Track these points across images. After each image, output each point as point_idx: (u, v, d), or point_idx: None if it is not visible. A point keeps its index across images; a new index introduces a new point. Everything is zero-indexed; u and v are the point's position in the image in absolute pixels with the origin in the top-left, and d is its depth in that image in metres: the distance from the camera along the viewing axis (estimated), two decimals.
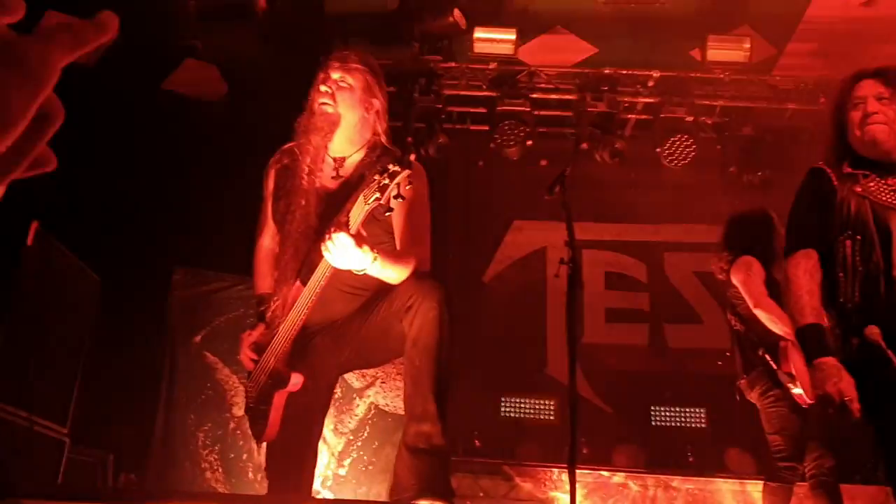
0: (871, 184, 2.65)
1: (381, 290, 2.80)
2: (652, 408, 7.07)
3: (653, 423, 7.02)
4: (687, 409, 7.03)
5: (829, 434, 4.34)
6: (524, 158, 7.23)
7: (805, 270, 2.64)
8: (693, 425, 6.98)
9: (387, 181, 2.46)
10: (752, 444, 5.52)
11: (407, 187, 2.48)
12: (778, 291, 4.15)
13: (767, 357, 4.27)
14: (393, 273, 2.71)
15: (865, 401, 2.50)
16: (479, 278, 7.53)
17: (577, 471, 4.68)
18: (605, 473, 4.74)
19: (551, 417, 6.77)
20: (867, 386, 2.49)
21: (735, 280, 4.43)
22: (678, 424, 7.02)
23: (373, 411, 5.03)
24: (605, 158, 7.13)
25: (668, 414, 7.06)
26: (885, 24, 6.56)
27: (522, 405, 6.96)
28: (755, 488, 4.61)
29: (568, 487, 3.02)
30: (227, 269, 5.25)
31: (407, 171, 2.47)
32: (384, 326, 2.79)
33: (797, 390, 4.13)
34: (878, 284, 2.53)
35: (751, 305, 4.29)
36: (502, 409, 6.94)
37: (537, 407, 6.85)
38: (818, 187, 2.75)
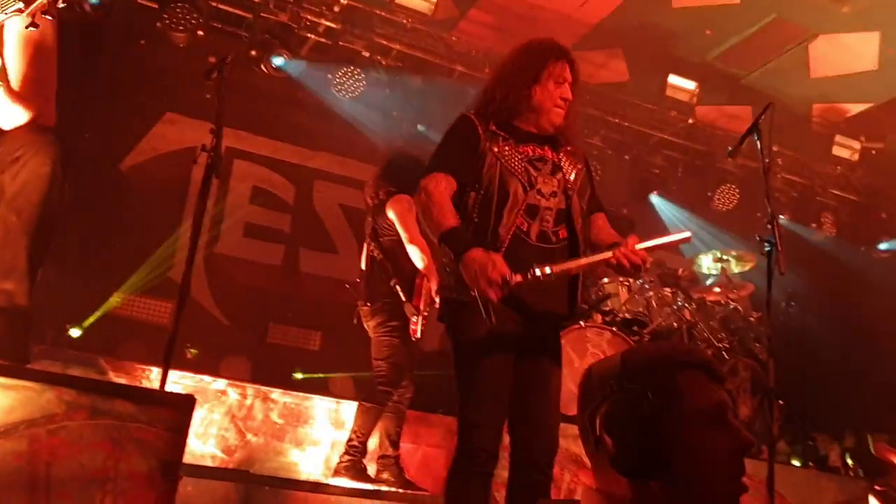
0: (507, 148, 2.87)
1: None
2: (270, 325, 7.16)
3: (268, 340, 7.12)
4: (304, 331, 7.24)
5: (416, 369, 4.75)
6: (191, 48, 6.79)
7: (445, 187, 2.77)
8: (307, 347, 7.22)
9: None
10: (356, 370, 5.84)
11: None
12: None
13: (398, 288, 4.51)
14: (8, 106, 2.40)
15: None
16: (117, 165, 6.95)
17: (180, 372, 4.65)
18: (207, 379, 4.68)
19: (165, 320, 6.54)
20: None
21: (391, 212, 4.58)
22: (292, 344, 7.20)
23: None
24: (270, 71, 6.99)
25: (284, 333, 7.20)
26: (556, 17, 7.22)
27: (136, 304, 6.62)
28: (349, 408, 4.88)
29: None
30: None
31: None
32: None
33: (418, 324, 4.46)
34: (485, 237, 2.74)
35: (405, 239, 4.49)
36: (112, 305, 6.53)
37: (152, 307, 6.57)
38: (466, 134, 2.88)
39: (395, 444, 4.63)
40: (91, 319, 6.17)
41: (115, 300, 6.44)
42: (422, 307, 4.51)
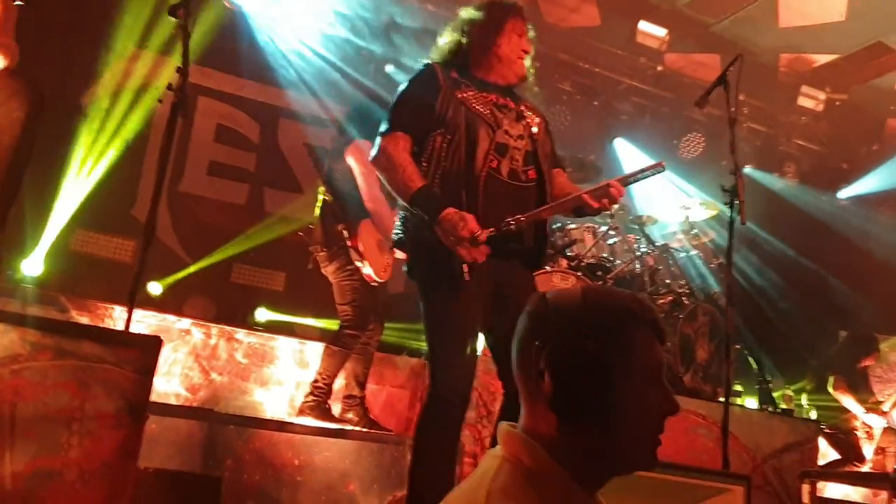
0: (470, 92, 2.91)
1: None
2: (235, 265, 7.12)
3: (232, 280, 7.08)
4: (268, 271, 7.22)
5: (384, 312, 4.75)
6: None
7: (403, 148, 2.81)
8: (271, 287, 7.21)
9: None
10: (321, 311, 5.85)
11: None
12: None
13: (345, 232, 4.48)
14: None
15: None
16: (77, 100, 6.76)
17: (144, 311, 4.62)
18: (171, 318, 4.66)
19: (127, 258, 6.47)
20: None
21: (351, 160, 4.53)
22: (256, 284, 7.18)
23: None
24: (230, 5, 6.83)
25: (248, 273, 7.18)
26: None
27: (98, 242, 6.53)
28: (314, 348, 4.91)
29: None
30: None
31: None
32: None
33: (366, 269, 4.44)
34: (457, 180, 2.76)
35: (365, 198, 4.44)
36: (73, 243, 6.44)
37: (115, 246, 6.49)
38: (428, 81, 2.91)
39: (361, 386, 4.68)
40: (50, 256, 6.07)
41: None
42: (362, 249, 4.47)
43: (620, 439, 1.34)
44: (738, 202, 3.32)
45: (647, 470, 1.37)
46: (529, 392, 1.38)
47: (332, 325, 5.40)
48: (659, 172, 2.80)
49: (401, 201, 2.82)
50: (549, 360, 1.33)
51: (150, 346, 1.98)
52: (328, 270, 4.64)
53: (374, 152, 2.86)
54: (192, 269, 6.76)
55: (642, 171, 2.84)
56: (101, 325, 4.43)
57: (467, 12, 3.07)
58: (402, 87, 2.96)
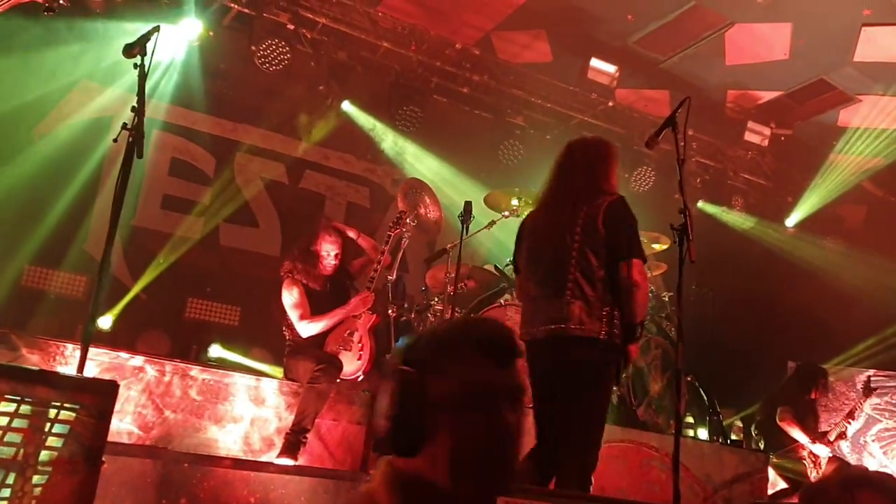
0: None
1: None
2: (189, 300, 7.05)
3: (187, 315, 7.01)
4: (224, 306, 7.16)
5: None
6: (110, 13, 6.55)
7: (644, 277, 3.50)
8: (226, 322, 7.15)
9: None
10: (275, 346, 5.81)
11: None
12: None
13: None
14: None
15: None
16: (29, 132, 6.68)
17: (96, 349, 4.55)
18: (125, 356, 4.59)
19: (79, 294, 6.37)
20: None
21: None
22: (212, 319, 7.12)
23: None
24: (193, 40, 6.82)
25: (203, 308, 7.11)
26: None
27: (50, 278, 6.42)
28: (269, 384, 4.88)
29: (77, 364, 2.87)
30: None
31: None
32: None
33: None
34: None
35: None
36: (24, 279, 6.33)
37: (66, 281, 6.39)
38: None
39: (313, 421, 4.70)
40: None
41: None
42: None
43: (448, 472, 1.30)
44: (686, 241, 3.42)
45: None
46: None
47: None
48: None
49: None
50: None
51: (107, 390, 1.96)
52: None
53: (637, 274, 3.48)
54: (136, 289, 6.66)
55: None
56: (52, 363, 4.35)
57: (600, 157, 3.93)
58: (631, 219, 3.61)
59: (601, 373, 3.53)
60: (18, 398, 1.77)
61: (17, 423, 1.76)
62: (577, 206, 3.66)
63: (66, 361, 4.37)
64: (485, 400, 1.31)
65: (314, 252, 5.16)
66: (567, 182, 3.83)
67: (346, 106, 7.84)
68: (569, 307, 3.51)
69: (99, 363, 4.48)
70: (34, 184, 6.28)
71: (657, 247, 6.46)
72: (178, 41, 6.82)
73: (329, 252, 5.17)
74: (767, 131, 8.98)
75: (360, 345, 5.06)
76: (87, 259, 6.38)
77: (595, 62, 8.12)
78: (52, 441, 1.80)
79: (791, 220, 9.59)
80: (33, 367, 2.00)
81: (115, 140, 3.02)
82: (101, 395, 1.92)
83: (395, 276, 5.56)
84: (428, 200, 5.97)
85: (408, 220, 5.48)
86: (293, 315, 5.03)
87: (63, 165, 6.47)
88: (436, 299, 5.86)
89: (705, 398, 6.34)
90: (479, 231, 5.93)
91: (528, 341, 3.67)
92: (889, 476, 1.47)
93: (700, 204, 9.22)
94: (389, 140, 8.15)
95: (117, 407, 4.52)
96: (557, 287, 3.58)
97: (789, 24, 7.23)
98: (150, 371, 4.63)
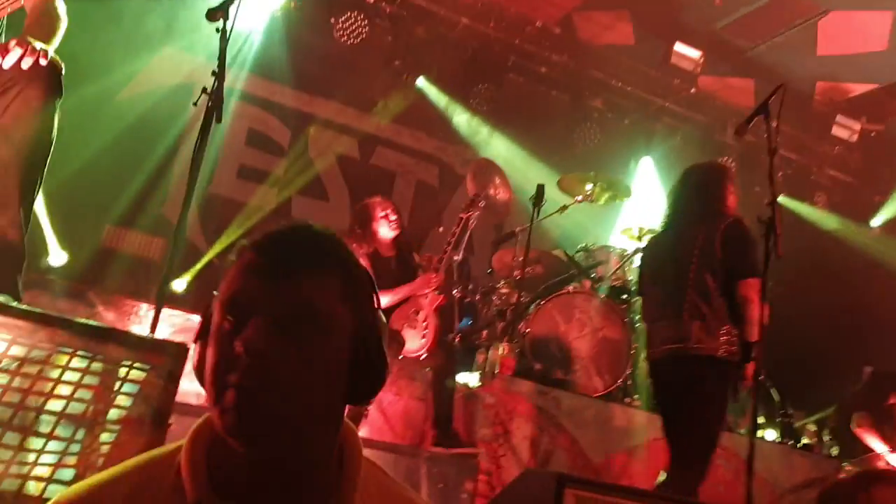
0: None
1: None
2: None
3: None
4: None
5: None
6: None
7: (758, 293, 3.61)
8: None
9: None
10: None
11: None
12: None
13: None
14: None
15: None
16: (114, 97, 6.83)
17: (170, 311, 4.65)
18: (195, 318, 4.70)
19: (155, 256, 6.52)
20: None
21: None
22: None
23: None
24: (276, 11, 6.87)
25: None
26: None
27: (128, 238, 6.59)
28: None
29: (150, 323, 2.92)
30: None
31: None
32: None
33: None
34: None
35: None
36: (105, 239, 6.51)
37: (144, 243, 6.54)
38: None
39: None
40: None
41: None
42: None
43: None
44: (773, 235, 3.35)
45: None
46: None
47: None
48: None
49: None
50: None
51: (177, 352, 1.98)
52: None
53: (754, 293, 3.65)
54: (210, 254, 6.77)
55: None
56: (126, 321, 4.47)
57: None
58: (749, 240, 3.77)
59: (718, 390, 3.70)
60: (90, 355, 1.80)
61: (87, 379, 1.79)
62: (694, 229, 3.91)
63: (140, 321, 4.48)
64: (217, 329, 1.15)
65: (371, 223, 5.15)
66: (684, 206, 4.06)
67: (421, 82, 7.81)
68: (687, 327, 3.71)
69: (172, 324, 4.59)
70: (118, 148, 6.41)
71: None
72: (261, 12, 6.89)
73: (387, 217, 5.16)
74: (857, 126, 8.61)
75: (424, 323, 5.05)
76: (163, 222, 6.52)
77: (679, 47, 7.90)
78: (121, 400, 1.83)
79: (877, 221, 9.19)
80: (106, 325, 2.03)
81: (194, 103, 3.04)
82: (171, 357, 1.94)
83: (461, 256, 5.53)
84: (498, 181, 5.91)
85: (480, 204, 5.43)
86: None
87: (145, 131, 6.58)
88: (502, 282, 5.80)
89: (776, 398, 6.14)
90: (550, 215, 5.84)
91: (651, 362, 3.94)
92: None
93: (781, 198, 8.91)
94: (462, 119, 8.09)
95: (186, 368, 4.62)
96: (676, 308, 3.78)
97: (890, 12, 6.89)
98: None
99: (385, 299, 5.03)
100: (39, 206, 5.49)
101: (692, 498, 3.43)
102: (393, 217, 5.16)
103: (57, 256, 5.64)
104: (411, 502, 1.26)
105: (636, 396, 5.26)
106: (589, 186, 5.88)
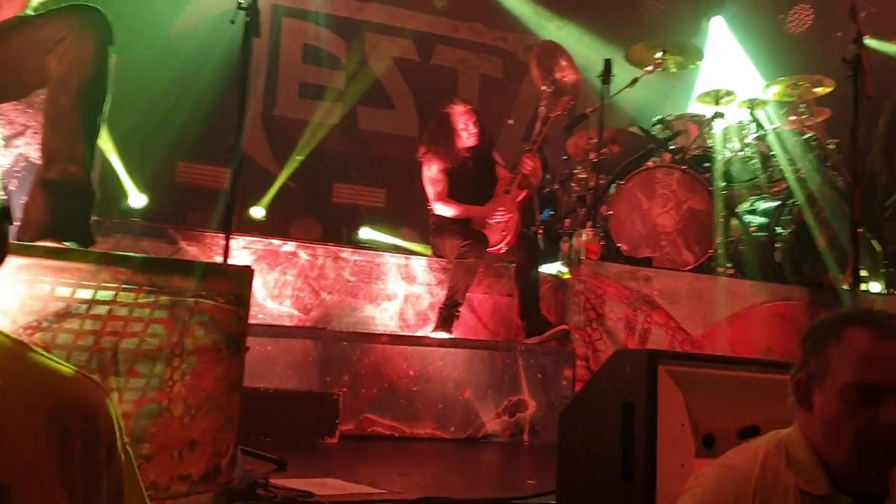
0: None
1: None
2: (335, 184, 7.18)
3: (334, 199, 7.15)
4: (369, 189, 7.25)
5: None
6: None
7: None
8: (372, 204, 7.25)
9: None
10: (422, 225, 5.83)
11: None
12: None
13: None
14: None
15: None
16: (166, 31, 6.80)
17: (250, 238, 4.73)
18: (277, 242, 4.75)
19: (227, 186, 6.59)
20: None
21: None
22: (358, 201, 7.24)
23: (22, 163, 4.48)
24: None
25: (349, 191, 7.23)
26: None
27: (200, 173, 6.68)
28: (419, 262, 4.94)
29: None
30: None
31: None
32: (19, 56, 2.44)
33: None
34: None
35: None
36: (177, 174, 6.61)
37: (216, 175, 6.60)
38: None
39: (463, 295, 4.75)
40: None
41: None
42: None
43: None
44: (861, 73, 3.06)
45: None
46: None
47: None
48: None
49: None
50: None
51: (242, 276, 1.97)
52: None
53: None
54: (282, 177, 6.80)
55: None
56: (210, 254, 4.55)
57: None
58: None
59: None
60: (156, 289, 1.80)
61: (157, 314, 1.80)
62: None
63: (223, 252, 4.55)
64: None
65: (452, 135, 5.03)
66: None
67: None
68: None
69: (254, 251, 4.66)
70: (178, 84, 6.42)
71: (819, 90, 5.88)
72: None
73: (467, 128, 5.04)
74: None
75: (505, 218, 4.98)
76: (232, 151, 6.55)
77: None
78: (193, 329, 1.84)
79: None
80: (166, 258, 2.04)
81: (232, 21, 2.98)
82: (237, 282, 1.93)
83: (536, 147, 5.38)
84: (563, 63, 5.67)
85: (549, 90, 5.30)
86: (430, 192, 5.01)
87: (201, 62, 6.54)
88: (578, 168, 5.64)
89: (878, 249, 5.85)
90: (621, 91, 5.58)
91: None
92: (887, 315, 1.34)
93: (866, 40, 8.29)
94: (520, 3, 7.75)
95: (276, 292, 4.74)
96: None
97: None
98: (303, 256, 4.78)
99: (452, 211, 4.97)
100: (112, 154, 5.62)
101: None
102: (473, 130, 5.05)
103: (136, 199, 5.78)
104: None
105: (729, 265, 5.11)
106: (659, 55, 5.58)
